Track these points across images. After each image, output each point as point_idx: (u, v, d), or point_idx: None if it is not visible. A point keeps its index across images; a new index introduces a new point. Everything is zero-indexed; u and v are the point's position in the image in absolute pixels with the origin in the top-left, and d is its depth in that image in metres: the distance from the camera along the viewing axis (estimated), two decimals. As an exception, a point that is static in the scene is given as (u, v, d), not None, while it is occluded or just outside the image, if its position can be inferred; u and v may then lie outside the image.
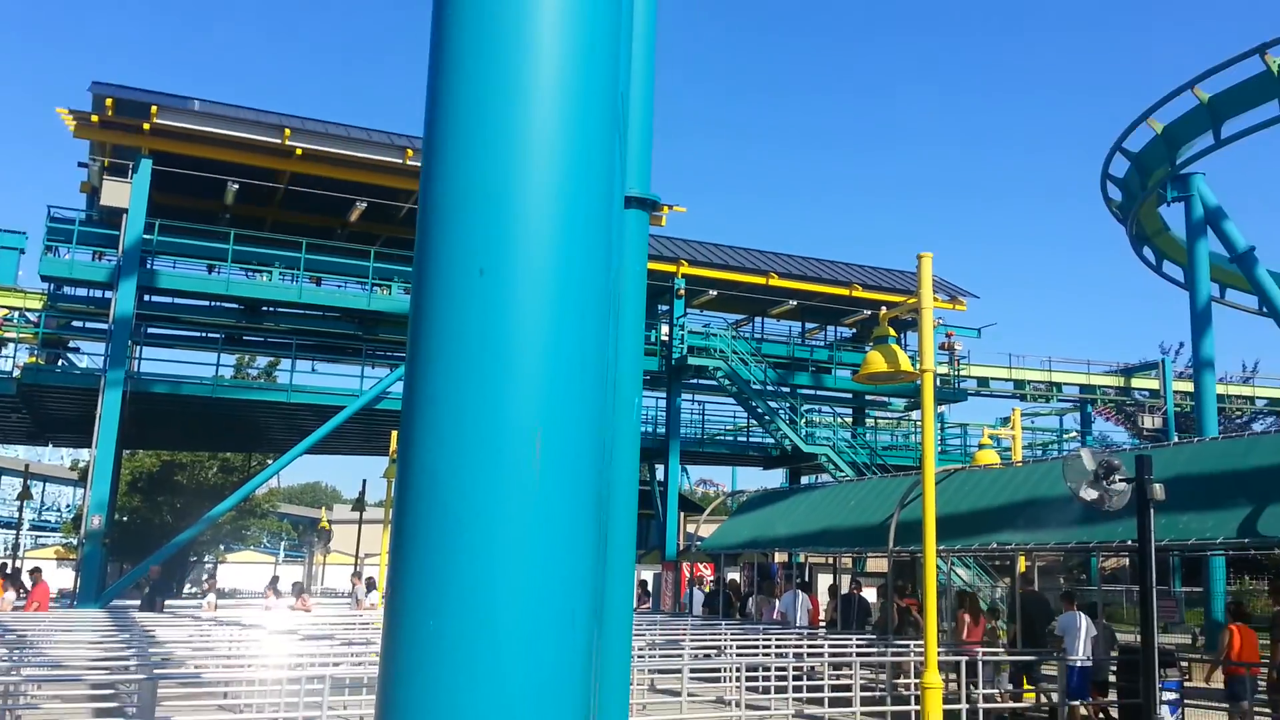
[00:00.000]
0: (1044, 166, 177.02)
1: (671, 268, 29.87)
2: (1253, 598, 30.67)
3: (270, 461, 32.56)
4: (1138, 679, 11.32)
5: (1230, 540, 11.73)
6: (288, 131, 22.69)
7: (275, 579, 27.01)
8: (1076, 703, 13.47)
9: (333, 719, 9.76)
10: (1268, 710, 12.25)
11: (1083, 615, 14.08)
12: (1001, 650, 14.57)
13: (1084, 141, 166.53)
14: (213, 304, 25.21)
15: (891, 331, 10.88)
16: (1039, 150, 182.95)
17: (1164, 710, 11.98)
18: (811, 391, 34.12)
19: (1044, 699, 14.66)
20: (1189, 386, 33.08)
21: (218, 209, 25.54)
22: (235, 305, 25.07)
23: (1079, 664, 13.37)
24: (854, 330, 35.83)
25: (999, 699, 14.14)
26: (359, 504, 37.24)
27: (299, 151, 22.89)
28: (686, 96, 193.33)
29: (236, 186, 23.73)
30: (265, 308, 25.14)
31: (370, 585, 23.57)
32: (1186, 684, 14.58)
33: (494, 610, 2.19)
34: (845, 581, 21.89)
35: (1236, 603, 14.58)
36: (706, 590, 26.06)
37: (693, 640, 15.62)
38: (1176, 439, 30.84)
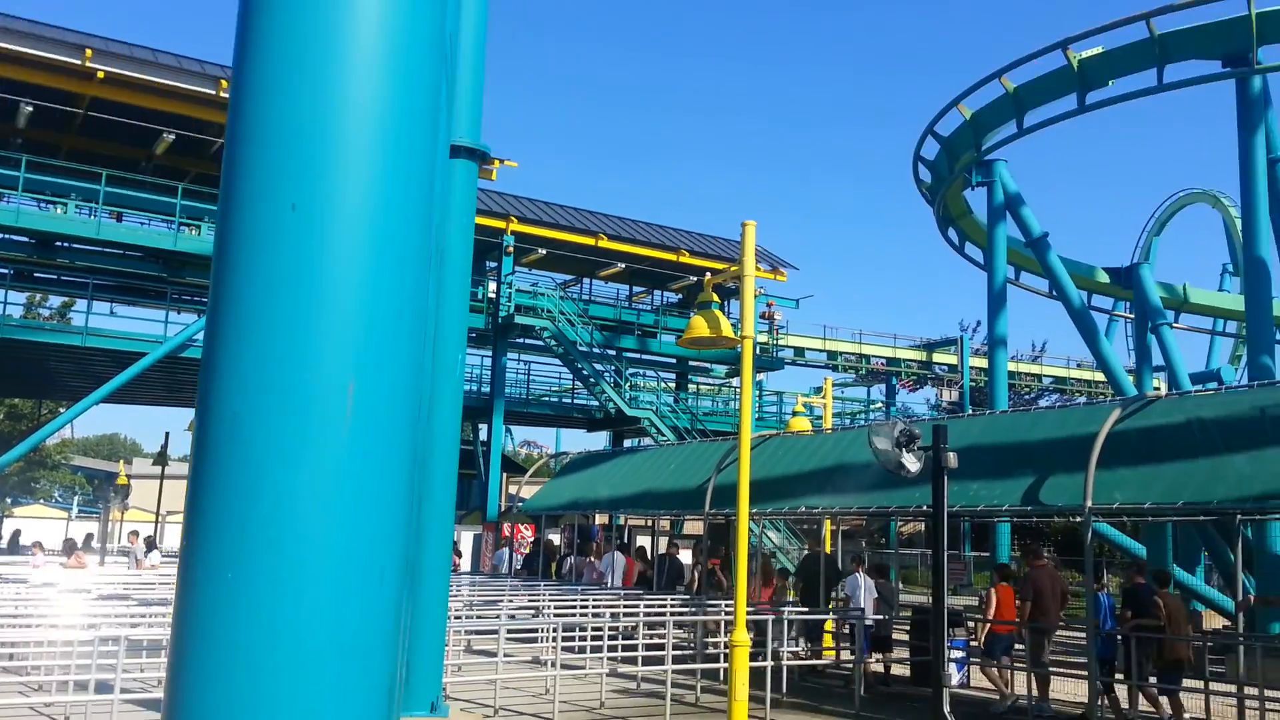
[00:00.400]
0: (866, 145, 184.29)
1: (501, 224, 29.49)
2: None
3: (63, 410, 30.37)
4: (928, 638, 12.09)
5: (1015, 507, 12.62)
6: (89, 52, 21.02)
7: (90, 537, 25.33)
8: (871, 659, 14.30)
9: (128, 682, 9.25)
10: (1022, 665, 13.31)
11: (865, 576, 14.95)
12: (805, 609, 15.22)
13: (904, 122, 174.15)
14: (1, 236, 23.16)
15: (715, 298, 11.07)
16: (862, 129, 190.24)
17: (951, 668, 12.85)
18: (637, 355, 34.53)
19: (840, 655, 15.45)
20: (984, 362, 35.35)
21: (9, 133, 23.44)
22: (26, 239, 23.11)
23: (851, 619, 14.20)
24: (680, 296, 36.42)
25: (801, 656, 14.81)
26: (161, 458, 35.30)
27: (101, 75, 21.25)
28: (520, 49, 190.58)
29: (30, 109, 21.84)
30: (60, 243, 23.28)
31: (150, 544, 22.41)
32: (972, 643, 15.65)
33: (297, 563, 2.09)
34: (663, 543, 22.39)
35: (1001, 565, 15.74)
36: (525, 553, 26.08)
37: (511, 601, 15.63)
38: (971, 411, 32.96)
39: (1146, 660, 11.59)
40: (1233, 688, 12.15)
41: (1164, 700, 11.83)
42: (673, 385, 36.78)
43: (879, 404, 46.75)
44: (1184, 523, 18.22)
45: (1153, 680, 11.70)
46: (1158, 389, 25.40)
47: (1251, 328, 20.09)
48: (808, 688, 14.00)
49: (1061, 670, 13.21)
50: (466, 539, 29.43)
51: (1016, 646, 13.52)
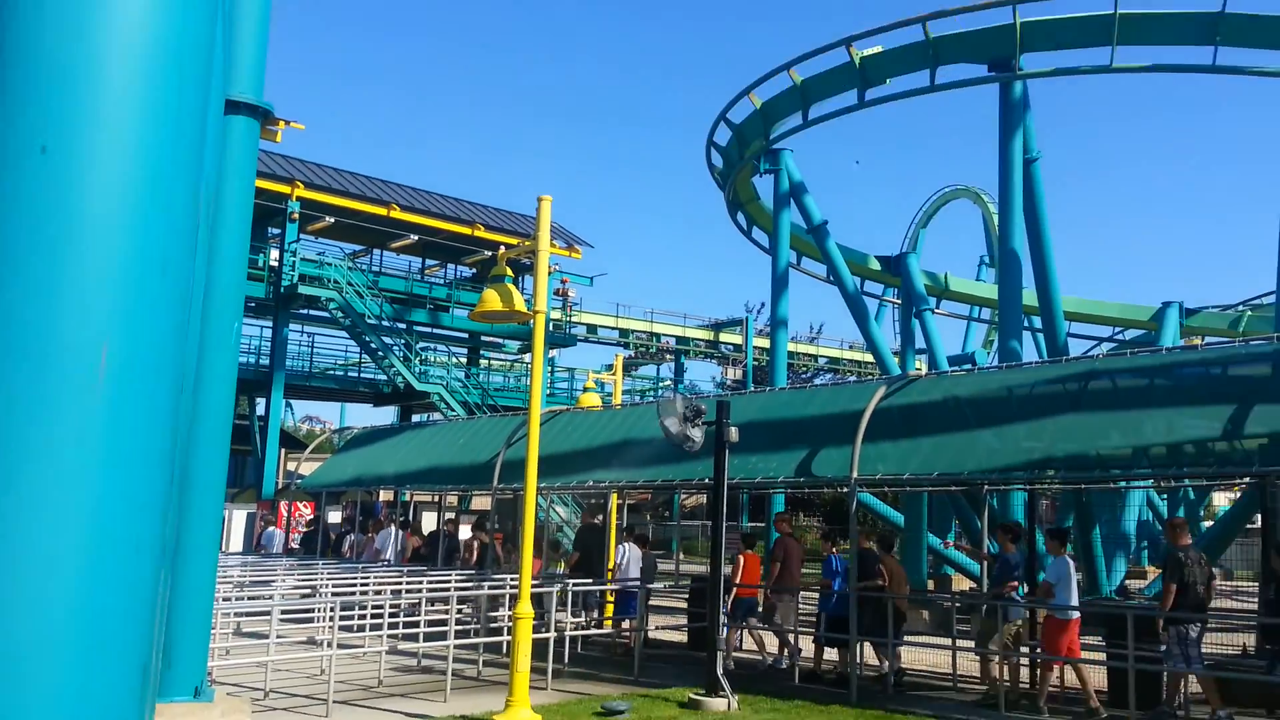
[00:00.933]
0: (662, 128, 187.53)
1: (285, 188, 28.20)
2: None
3: None
4: (705, 605, 12.58)
5: (789, 479, 13.28)
6: None
7: None
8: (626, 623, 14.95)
9: None
10: (762, 626, 14.21)
11: (633, 546, 15.53)
12: (585, 579, 15.47)
13: (701, 108, 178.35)
14: None
15: (509, 271, 11.01)
16: (659, 112, 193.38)
17: (724, 631, 13.42)
18: (428, 329, 33.92)
19: (622, 625, 15.83)
20: (767, 342, 36.92)
21: None
22: None
23: (605, 587, 14.75)
24: (475, 270, 35.98)
25: (583, 626, 15.09)
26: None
27: None
28: (311, 10, 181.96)
29: None
30: None
31: None
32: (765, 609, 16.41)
33: (40, 538, 1.94)
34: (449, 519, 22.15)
35: (746, 533, 16.59)
36: (302, 531, 25.13)
37: (285, 581, 15.06)
38: (753, 388, 34.33)
39: (870, 618, 12.53)
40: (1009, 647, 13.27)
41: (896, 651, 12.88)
42: (464, 360, 36.37)
43: (668, 381, 47.95)
44: (938, 492, 19.71)
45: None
46: (919, 369, 27.26)
47: (1003, 315, 21.90)
48: (588, 657, 14.26)
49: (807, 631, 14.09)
50: (239, 518, 28.09)
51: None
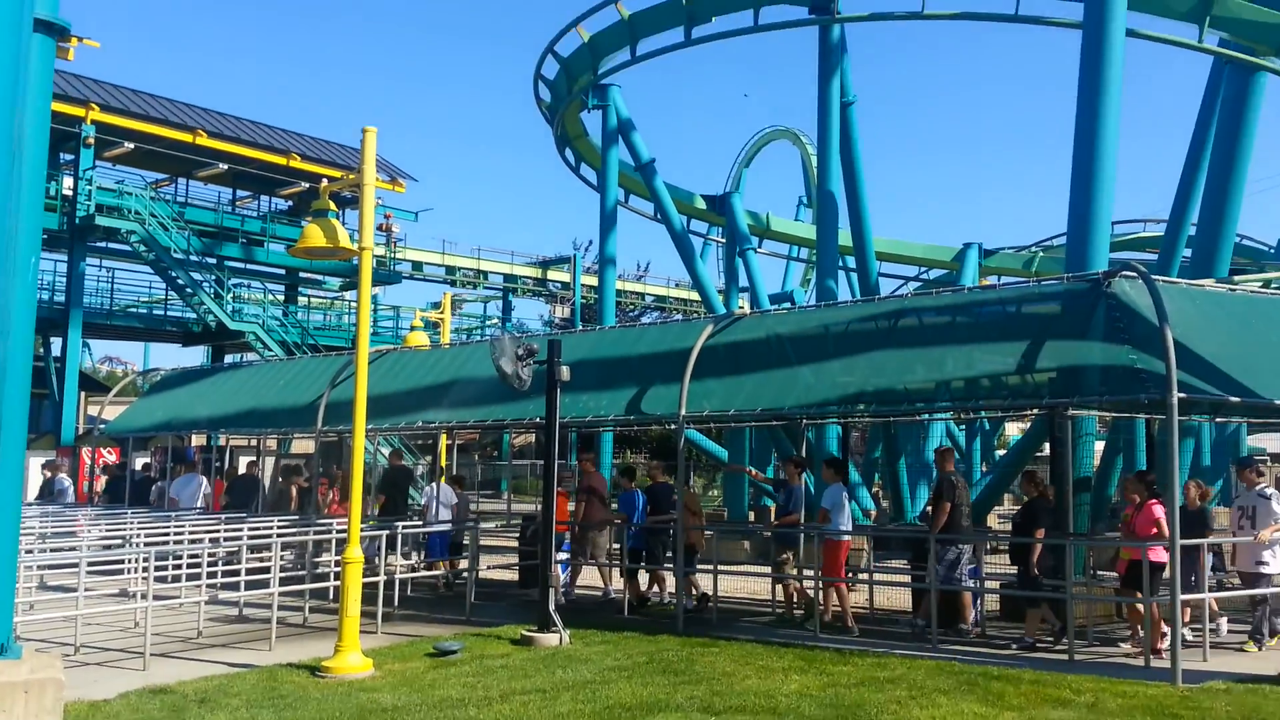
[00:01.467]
0: (488, 59, 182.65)
1: (79, 110, 26.12)
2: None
3: None
4: (537, 543, 12.72)
5: (620, 417, 13.49)
6: None
7: None
8: (439, 562, 15.24)
9: None
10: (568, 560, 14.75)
11: (445, 486, 15.60)
12: (420, 523, 15.37)
13: (528, 39, 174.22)
14: None
15: (332, 206, 10.58)
16: (485, 42, 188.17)
17: (558, 569, 13.65)
18: (241, 265, 32.35)
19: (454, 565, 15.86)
20: (595, 280, 37.07)
21: None
22: None
23: (439, 529, 14.76)
24: (291, 203, 34.45)
25: (415, 569, 15.01)
26: None
27: None
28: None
29: None
30: None
31: None
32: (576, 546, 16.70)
33: None
34: (270, 465, 21.43)
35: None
36: (105, 479, 23.72)
37: (90, 531, 14.28)
38: (582, 327, 34.50)
39: (665, 548, 13.08)
40: (794, 572, 14.00)
41: (692, 579, 13.52)
42: (282, 298, 34.94)
43: (495, 320, 47.58)
44: (760, 427, 20.45)
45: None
46: (743, 308, 28.01)
47: (821, 254, 22.71)
48: (417, 599, 14.21)
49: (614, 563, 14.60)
50: (35, 466, 26.30)
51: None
